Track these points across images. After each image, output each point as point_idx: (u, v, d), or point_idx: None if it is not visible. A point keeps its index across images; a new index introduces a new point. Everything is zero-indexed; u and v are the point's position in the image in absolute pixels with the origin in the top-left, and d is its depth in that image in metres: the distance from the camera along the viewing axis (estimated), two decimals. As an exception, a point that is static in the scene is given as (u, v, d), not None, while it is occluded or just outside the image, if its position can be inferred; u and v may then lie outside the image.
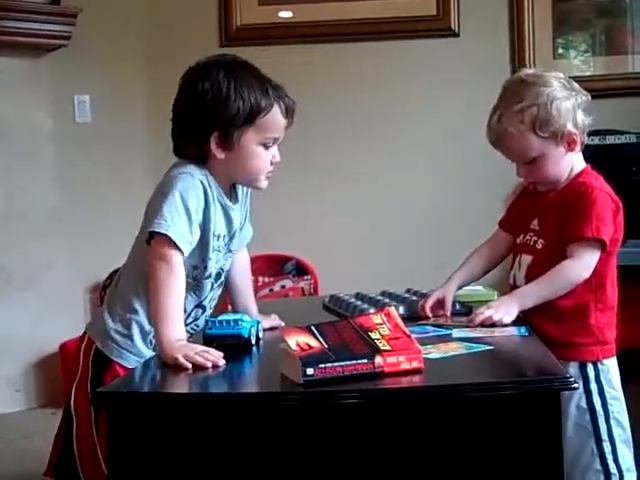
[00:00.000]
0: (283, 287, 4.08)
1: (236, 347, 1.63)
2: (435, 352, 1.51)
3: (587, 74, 4.03)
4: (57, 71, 3.84)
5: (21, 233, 3.74)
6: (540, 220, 1.92)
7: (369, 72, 4.10)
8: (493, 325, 1.73)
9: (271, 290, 4.06)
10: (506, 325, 1.73)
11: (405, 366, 1.38)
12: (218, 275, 1.83)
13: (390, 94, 4.08)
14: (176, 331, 1.58)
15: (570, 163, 1.88)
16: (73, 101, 3.92)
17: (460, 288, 2.01)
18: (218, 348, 1.55)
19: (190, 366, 1.49)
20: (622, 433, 1.82)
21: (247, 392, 1.48)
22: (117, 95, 3.98)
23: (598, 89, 3.81)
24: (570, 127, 1.83)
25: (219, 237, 1.78)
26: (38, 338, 3.74)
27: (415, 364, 1.39)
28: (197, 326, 1.82)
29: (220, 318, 1.66)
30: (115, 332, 1.78)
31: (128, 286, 1.80)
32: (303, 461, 1.33)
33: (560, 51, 4.11)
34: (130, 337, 1.77)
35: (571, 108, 1.84)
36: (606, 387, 1.82)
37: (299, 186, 4.10)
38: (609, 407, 1.81)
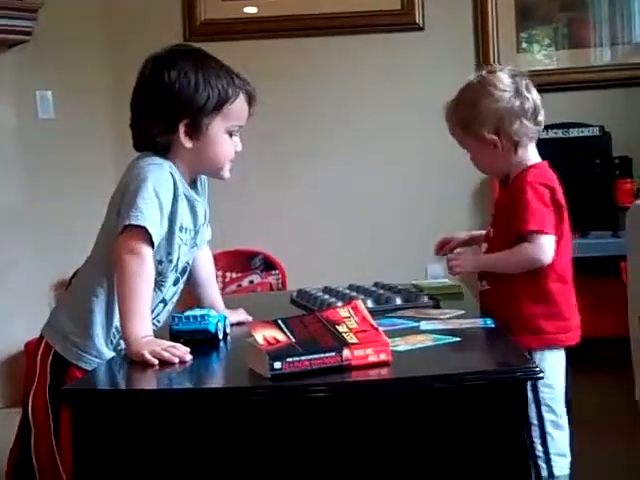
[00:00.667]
0: (251, 282, 4.07)
1: (203, 342, 1.62)
2: (403, 344, 1.51)
3: (550, 67, 4.07)
4: (19, 67, 3.78)
5: (-16, 231, 3.70)
6: (495, 210, 2.03)
7: (334, 67, 4.10)
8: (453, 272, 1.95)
9: (239, 285, 4.05)
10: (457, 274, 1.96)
11: (373, 359, 1.38)
12: (184, 270, 1.82)
13: (355, 88, 4.09)
14: (143, 327, 1.56)
15: (508, 160, 1.91)
16: (35, 97, 3.87)
17: (469, 241, 2.12)
18: (185, 344, 1.54)
19: (156, 362, 1.48)
20: (554, 418, 1.86)
21: (215, 387, 1.48)
22: (81, 90, 3.94)
23: (561, 82, 3.87)
24: (487, 133, 1.89)
25: (185, 230, 1.77)
26: (2, 337, 3.70)
27: (383, 357, 1.39)
28: (158, 322, 1.80)
29: (186, 313, 1.65)
30: (74, 335, 1.74)
31: (88, 286, 1.77)
32: (272, 455, 1.33)
33: (524, 45, 4.14)
34: (90, 339, 1.74)
35: (495, 115, 1.88)
36: None
37: (266, 181, 4.09)
38: (540, 394, 1.85)
